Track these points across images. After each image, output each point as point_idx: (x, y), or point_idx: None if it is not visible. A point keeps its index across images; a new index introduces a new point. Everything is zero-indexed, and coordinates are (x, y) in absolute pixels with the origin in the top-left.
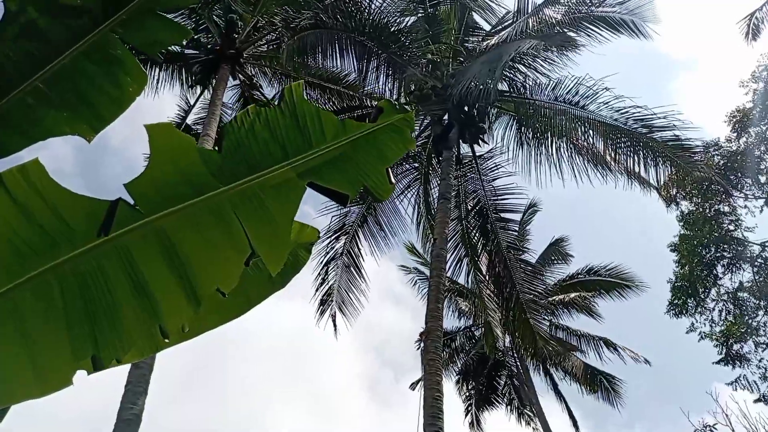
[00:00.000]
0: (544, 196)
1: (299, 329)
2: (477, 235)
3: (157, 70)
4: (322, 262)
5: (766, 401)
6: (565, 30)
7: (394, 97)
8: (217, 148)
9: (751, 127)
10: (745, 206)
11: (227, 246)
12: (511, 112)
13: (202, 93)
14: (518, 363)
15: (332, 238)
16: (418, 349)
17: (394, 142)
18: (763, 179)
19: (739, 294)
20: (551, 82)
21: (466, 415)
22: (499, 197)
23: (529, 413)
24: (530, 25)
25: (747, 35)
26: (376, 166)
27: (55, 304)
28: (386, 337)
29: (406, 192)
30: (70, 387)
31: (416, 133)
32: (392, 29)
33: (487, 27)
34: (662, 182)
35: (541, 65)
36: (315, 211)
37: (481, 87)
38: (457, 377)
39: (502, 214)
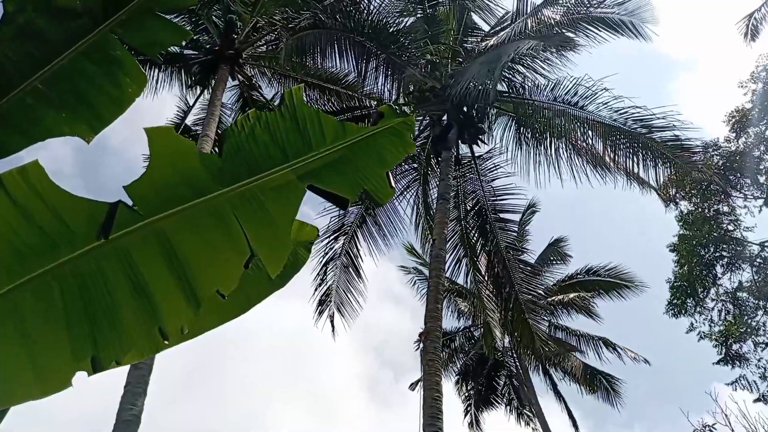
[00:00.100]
0: (543, 197)
1: (299, 329)
2: (476, 235)
3: (157, 70)
4: (321, 263)
5: (766, 401)
6: (564, 31)
7: (393, 97)
8: (217, 152)
9: (750, 128)
10: (745, 206)
11: (227, 248)
12: (510, 112)
13: (201, 93)
14: (517, 363)
15: (331, 238)
16: (417, 349)
17: (394, 146)
18: (762, 179)
19: (738, 294)
20: (550, 82)
21: (466, 416)
22: (498, 198)
23: (529, 413)
24: (529, 25)
25: (746, 35)
26: (376, 169)
27: (55, 305)
28: (386, 337)
29: (405, 192)
30: (70, 388)
31: (415, 133)
32: (391, 30)
33: (486, 28)
34: (661, 182)
35: (540, 66)
36: (314, 212)
37: (480, 87)
38: (456, 377)
39: (501, 215)
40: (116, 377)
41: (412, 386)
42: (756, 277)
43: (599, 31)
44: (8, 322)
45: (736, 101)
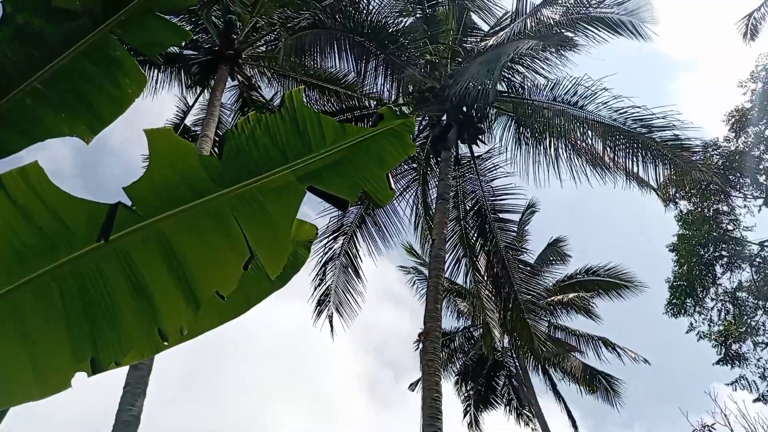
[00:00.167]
0: (543, 197)
1: (299, 329)
2: (475, 235)
3: (156, 71)
4: (320, 263)
5: (766, 401)
6: (563, 31)
7: (393, 97)
8: (217, 153)
9: (749, 127)
10: (745, 206)
11: (226, 249)
12: (509, 112)
13: (200, 94)
14: (517, 363)
15: (330, 238)
16: (416, 349)
17: (394, 147)
18: (761, 179)
19: (738, 294)
20: (550, 82)
21: (465, 416)
22: (498, 198)
23: (528, 414)
24: (528, 25)
25: (745, 35)
26: (376, 171)
27: (55, 306)
28: (385, 337)
29: (404, 192)
30: (69, 389)
31: (415, 134)
32: (390, 30)
33: (486, 27)
34: (661, 182)
35: (540, 66)
36: (314, 212)
37: (480, 87)
38: (456, 378)
39: (501, 215)
40: (115, 378)
41: (412, 386)
42: (755, 277)
43: (598, 31)
44: (8, 323)
45: (736, 101)
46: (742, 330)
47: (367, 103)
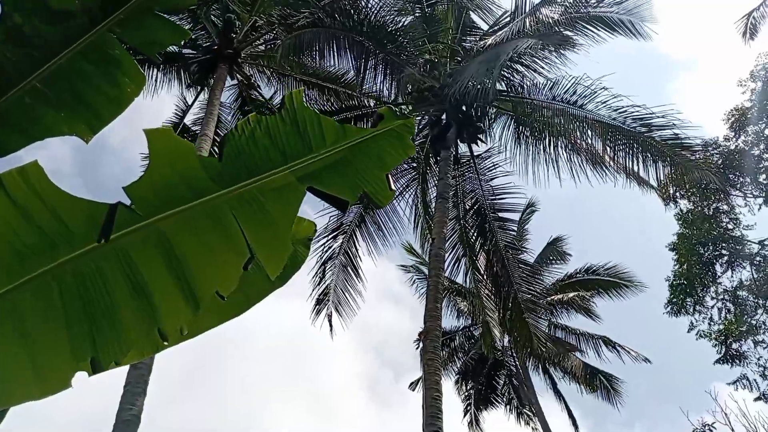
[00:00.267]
0: (543, 196)
1: (299, 328)
2: (475, 234)
3: (155, 70)
4: (319, 262)
5: (766, 399)
6: (563, 30)
7: (392, 96)
8: (217, 154)
9: (749, 126)
10: (746, 204)
11: (226, 249)
12: (509, 111)
13: (199, 93)
14: (517, 363)
15: (329, 237)
16: (417, 348)
17: (394, 148)
18: (761, 178)
19: (738, 292)
20: (549, 81)
21: (465, 415)
22: (497, 197)
23: (529, 413)
24: (527, 25)
25: (745, 34)
26: (376, 171)
27: (54, 305)
28: (385, 336)
29: (404, 192)
30: (69, 388)
31: (414, 134)
32: (390, 29)
33: (485, 27)
34: (661, 181)
35: (539, 65)
36: (313, 211)
37: (479, 86)
38: (456, 377)
39: (500, 214)
40: (116, 377)
41: (412, 386)
42: (756, 276)
43: (598, 30)
44: (8, 322)
45: (736, 100)
46: (743, 329)
47: (366, 102)
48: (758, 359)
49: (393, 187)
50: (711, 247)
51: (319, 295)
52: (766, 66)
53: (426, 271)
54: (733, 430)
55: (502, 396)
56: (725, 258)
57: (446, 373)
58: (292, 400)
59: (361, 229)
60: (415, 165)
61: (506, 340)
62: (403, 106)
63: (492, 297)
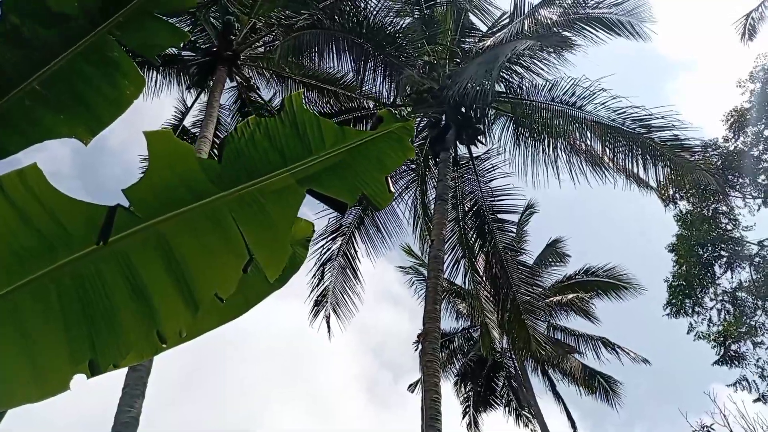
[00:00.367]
0: (542, 197)
1: (298, 330)
2: (474, 236)
3: (155, 72)
4: (318, 264)
5: (766, 401)
6: (561, 31)
7: (391, 98)
8: (217, 158)
9: (748, 127)
10: (746, 205)
11: (225, 251)
12: (508, 113)
13: (199, 95)
14: (516, 364)
15: (328, 239)
16: (416, 350)
17: (393, 151)
18: (760, 178)
19: (737, 294)
20: (548, 83)
21: (464, 417)
22: (496, 198)
23: (528, 414)
24: (526, 26)
25: (743, 35)
26: (375, 174)
27: (53, 307)
28: (384, 338)
29: (403, 193)
30: (68, 391)
31: (414, 136)
32: (389, 30)
33: (484, 28)
34: (661, 182)
35: (538, 66)
36: (312, 212)
37: (478, 88)
38: (455, 379)
39: (499, 215)
40: (114, 379)
41: (411, 387)
42: (755, 277)
43: (597, 31)
44: (7, 324)
45: (735, 101)
46: (742, 330)
47: (365, 104)
48: (757, 360)
49: (392, 188)
50: (710, 248)
51: (318, 297)
52: (765, 67)
53: (425, 272)
54: (731, 431)
55: (501, 398)
56: (724, 259)
57: (445, 374)
58: (291, 402)
59: (360, 230)
60: (414, 167)
61: (505, 341)
62: (402, 108)
63: (491, 298)
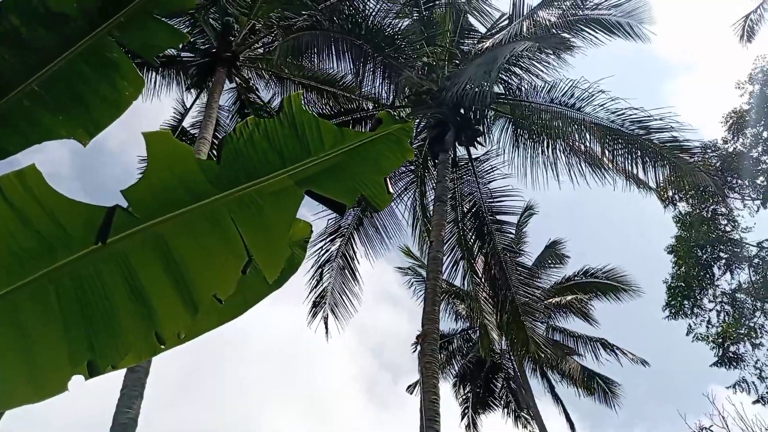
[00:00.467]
0: (541, 199)
1: (296, 331)
2: (473, 237)
3: (154, 73)
4: (317, 265)
5: (765, 402)
6: (560, 32)
7: (390, 99)
8: (215, 159)
9: (747, 129)
10: (744, 206)
11: (224, 252)
12: (507, 114)
13: (198, 96)
14: (515, 366)
15: (327, 240)
16: (414, 351)
17: (392, 152)
18: (759, 180)
19: (736, 295)
20: (547, 84)
21: (463, 418)
22: (496, 200)
23: (526, 416)
24: (525, 27)
25: (742, 37)
26: (374, 175)
27: (52, 308)
28: (383, 339)
29: (402, 195)
30: (66, 392)
31: (413, 137)
32: (388, 32)
33: (483, 30)
34: (660, 184)
35: (537, 67)
36: (311, 213)
37: (477, 89)
38: (454, 380)
39: (498, 217)
40: (113, 380)
41: (410, 389)
42: (754, 278)
43: (595, 32)
44: (5, 325)
45: (734, 103)
46: (741, 332)
47: (365, 105)
48: (756, 362)
49: (391, 190)
50: (709, 250)
51: (316, 298)
52: (763, 69)
53: (424, 273)
54: None
55: (499, 399)
56: (723, 260)
57: (444, 376)
58: (289, 403)
59: (359, 231)
60: (413, 168)
61: (504, 343)
62: (401, 110)
63: (490, 300)
